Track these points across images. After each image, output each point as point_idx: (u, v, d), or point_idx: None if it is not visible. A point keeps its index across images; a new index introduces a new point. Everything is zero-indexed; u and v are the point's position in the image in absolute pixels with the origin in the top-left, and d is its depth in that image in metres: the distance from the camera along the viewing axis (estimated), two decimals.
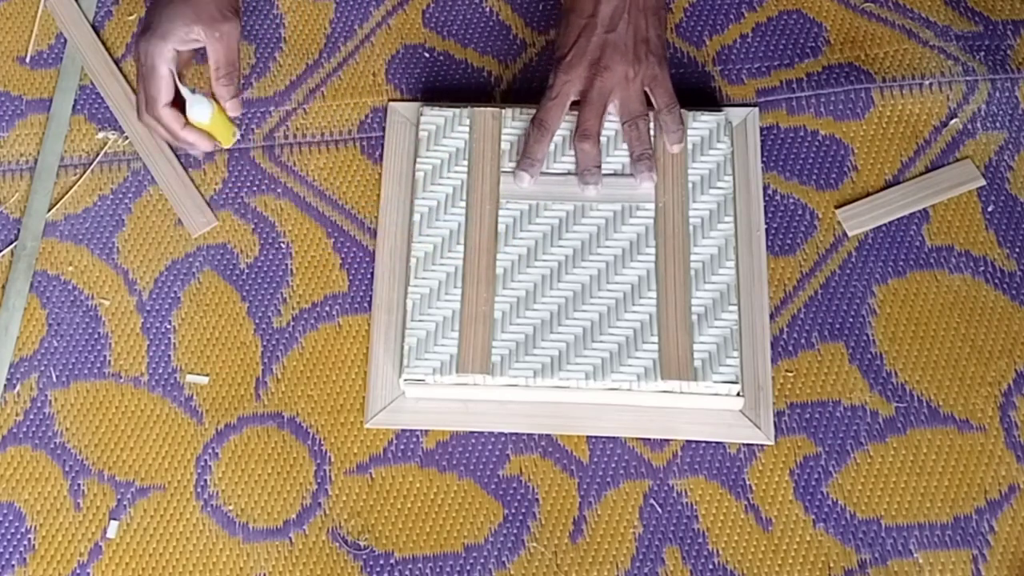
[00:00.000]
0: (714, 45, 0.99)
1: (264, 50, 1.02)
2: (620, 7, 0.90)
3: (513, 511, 0.86)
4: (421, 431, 0.89)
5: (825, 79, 0.97)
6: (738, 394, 0.85)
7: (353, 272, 0.94)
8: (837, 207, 0.93)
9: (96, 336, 0.93)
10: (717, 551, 0.85)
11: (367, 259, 0.94)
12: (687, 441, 0.87)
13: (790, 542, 0.84)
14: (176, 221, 0.96)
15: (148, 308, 0.93)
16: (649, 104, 0.91)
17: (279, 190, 0.97)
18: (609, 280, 0.87)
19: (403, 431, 0.89)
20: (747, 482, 0.86)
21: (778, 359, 0.89)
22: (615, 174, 0.91)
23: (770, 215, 0.93)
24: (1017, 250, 0.91)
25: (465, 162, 0.92)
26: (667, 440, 0.87)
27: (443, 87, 0.99)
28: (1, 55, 1.03)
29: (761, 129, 0.96)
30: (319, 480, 0.88)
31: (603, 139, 0.92)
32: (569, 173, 0.91)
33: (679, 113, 0.91)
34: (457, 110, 0.94)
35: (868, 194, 0.94)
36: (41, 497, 0.88)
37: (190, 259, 0.95)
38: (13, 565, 0.87)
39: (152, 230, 0.96)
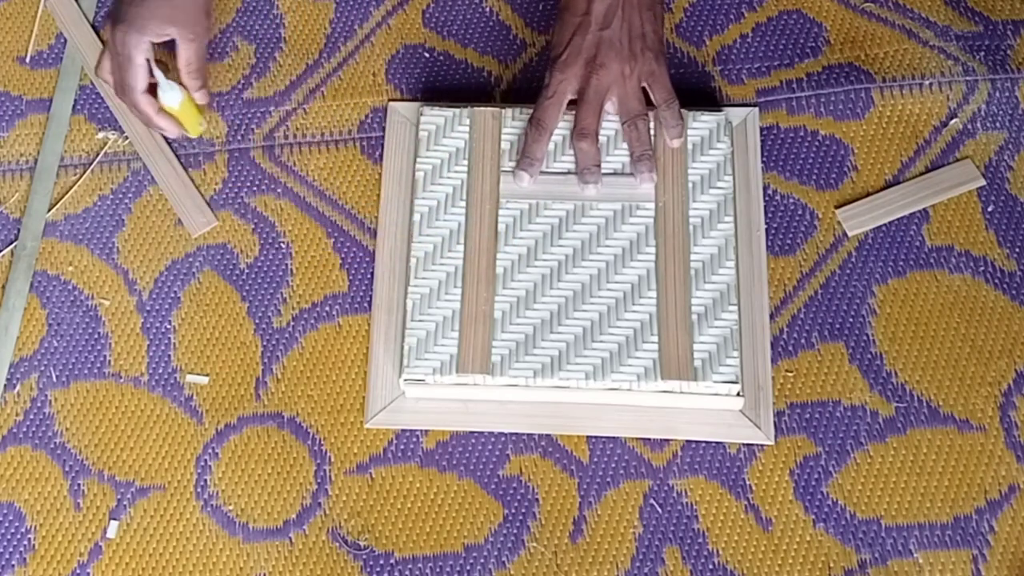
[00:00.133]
0: (714, 45, 0.99)
1: (264, 50, 1.02)
2: (614, 4, 0.90)
3: (513, 511, 0.86)
4: (421, 431, 0.89)
5: (825, 79, 0.97)
6: (738, 394, 0.84)
7: (353, 272, 0.94)
8: (837, 207, 0.93)
9: (96, 336, 0.93)
10: (717, 551, 0.85)
11: (367, 259, 0.94)
12: (687, 441, 0.87)
13: (790, 542, 0.84)
14: (176, 221, 0.96)
15: (148, 308, 0.93)
16: (648, 101, 0.91)
17: (279, 190, 0.97)
18: (609, 280, 0.87)
19: (403, 431, 0.89)
20: (747, 482, 0.86)
21: (778, 359, 0.89)
22: (615, 173, 0.91)
23: (770, 215, 0.93)
24: (1017, 250, 0.91)
25: (465, 162, 0.92)
26: (667, 440, 0.87)
27: (443, 87, 0.99)
28: (1, 55, 1.03)
29: (761, 129, 0.96)
30: (319, 480, 0.88)
31: (603, 139, 0.92)
32: (569, 172, 0.91)
33: (678, 108, 0.91)
34: (457, 110, 0.94)
35: (868, 194, 0.94)
36: (41, 497, 0.88)
37: (190, 259, 0.95)
38: (13, 565, 0.87)
39: (152, 230, 0.96)
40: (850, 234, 0.92)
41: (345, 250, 0.95)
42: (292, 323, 0.92)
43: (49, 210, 0.97)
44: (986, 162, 0.94)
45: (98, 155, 0.99)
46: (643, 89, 0.91)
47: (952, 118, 0.95)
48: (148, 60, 0.91)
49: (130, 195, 0.97)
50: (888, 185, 0.94)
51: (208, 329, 0.93)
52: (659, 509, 0.86)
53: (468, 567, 0.85)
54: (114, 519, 0.87)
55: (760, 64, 0.98)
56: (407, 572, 0.85)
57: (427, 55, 1.01)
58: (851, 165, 0.95)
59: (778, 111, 0.96)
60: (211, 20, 0.94)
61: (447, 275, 0.88)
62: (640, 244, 0.89)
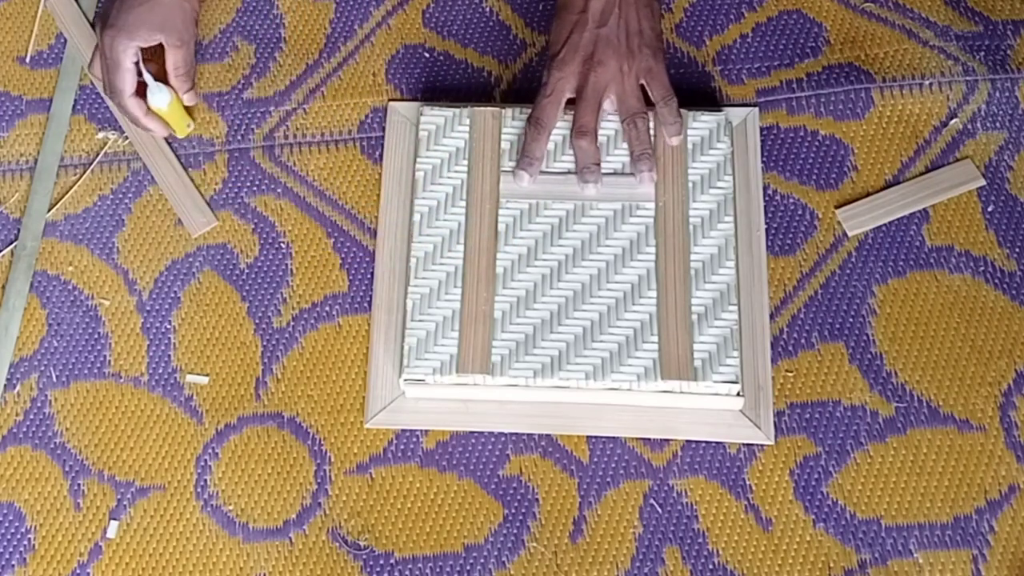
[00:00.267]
0: (714, 45, 0.99)
1: (264, 50, 1.02)
2: (611, 2, 0.90)
3: (513, 511, 0.86)
4: (421, 431, 0.89)
5: (825, 79, 0.97)
6: (738, 394, 0.84)
7: (353, 272, 0.94)
8: (837, 207, 0.93)
9: (96, 336, 0.93)
10: (717, 551, 0.85)
11: (367, 259, 0.94)
12: (687, 441, 0.87)
13: (790, 542, 0.84)
14: (176, 221, 0.96)
15: (148, 308, 0.93)
16: (647, 99, 0.91)
17: (279, 190, 0.97)
18: (609, 280, 0.87)
19: (403, 431, 0.89)
20: (747, 482, 0.86)
21: (778, 359, 0.89)
22: (615, 173, 0.91)
23: (770, 215, 0.93)
24: (1017, 250, 0.91)
25: (465, 162, 0.92)
26: (667, 440, 0.87)
27: (443, 87, 0.99)
28: (1, 55, 1.03)
29: (761, 129, 0.96)
30: (319, 480, 0.88)
31: (602, 139, 0.92)
32: (569, 172, 0.91)
33: (676, 105, 0.91)
34: (457, 110, 0.94)
35: (868, 194, 0.94)
36: (41, 497, 0.88)
37: (190, 259, 0.95)
38: (13, 565, 0.87)
39: (152, 230, 0.96)
40: (850, 234, 0.92)
41: (345, 250, 0.95)
42: (292, 323, 0.92)
43: (49, 210, 0.97)
44: (986, 162, 0.94)
45: (98, 155, 0.99)
46: (642, 87, 0.91)
47: (952, 118, 0.95)
48: (135, 65, 0.92)
49: (130, 195, 0.97)
50: (888, 185, 0.94)
51: (208, 329, 0.93)
52: (659, 509, 0.86)
53: (468, 567, 0.85)
54: (114, 519, 0.87)
55: (760, 64, 0.98)
56: (407, 572, 0.85)
57: (427, 55, 1.01)
58: (851, 165, 0.95)
59: (778, 111, 0.96)
60: (198, 26, 0.98)
61: (447, 275, 0.88)
62: (640, 244, 0.89)
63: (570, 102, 0.91)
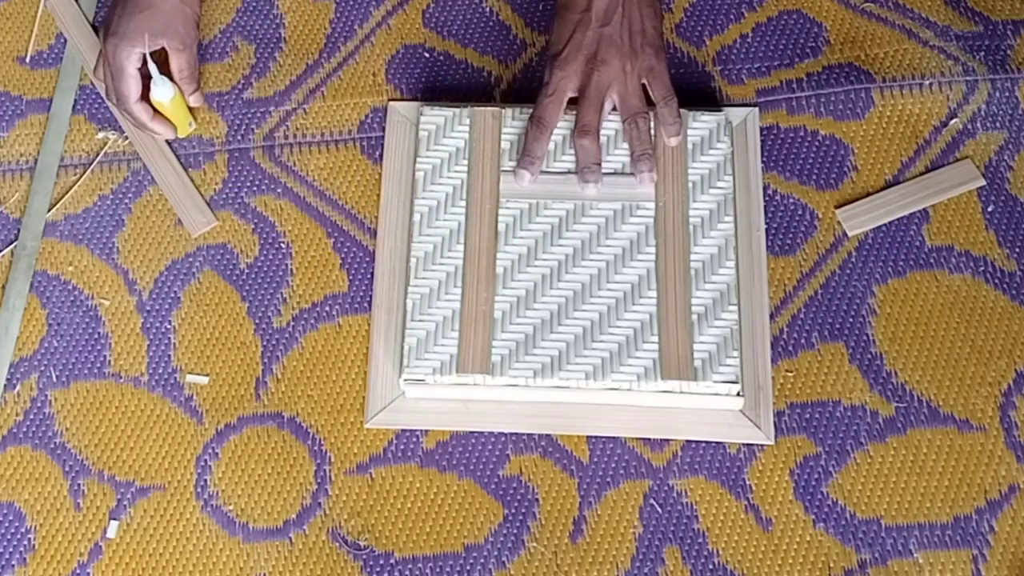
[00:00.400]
0: (714, 45, 0.99)
1: (264, 50, 1.02)
2: (614, 1, 0.90)
3: (513, 511, 0.86)
4: (421, 431, 0.88)
5: (825, 79, 0.97)
6: (738, 394, 0.84)
7: (353, 272, 0.94)
8: (837, 207, 0.93)
9: (96, 336, 0.93)
10: (717, 551, 0.85)
11: (367, 259, 0.94)
12: (687, 441, 0.87)
13: (790, 542, 0.84)
14: (176, 221, 0.96)
15: (148, 308, 0.93)
16: (648, 99, 0.91)
17: (279, 190, 0.97)
18: (609, 280, 0.87)
19: (403, 431, 0.89)
20: (747, 482, 0.86)
21: (778, 359, 0.89)
22: (615, 173, 0.91)
23: (770, 215, 0.93)
24: (1017, 250, 0.91)
25: (465, 162, 0.92)
26: (667, 440, 0.87)
27: (443, 87, 0.99)
28: (1, 55, 1.03)
29: (761, 129, 0.96)
30: (319, 480, 0.88)
31: (603, 138, 0.92)
32: (569, 172, 0.91)
33: (676, 105, 0.91)
34: (457, 110, 0.94)
35: (868, 194, 0.94)
36: (41, 497, 0.88)
37: (190, 259, 0.95)
38: (13, 565, 0.87)
39: (152, 230, 0.96)
40: (850, 234, 0.92)
41: (345, 250, 0.95)
42: (292, 323, 0.92)
43: (49, 210, 0.97)
44: (986, 162, 0.94)
45: (98, 155, 0.99)
46: (643, 87, 0.91)
47: (952, 118, 0.95)
48: (139, 70, 0.93)
49: (130, 195, 0.97)
50: (888, 185, 0.94)
51: (208, 329, 0.93)
52: (659, 509, 0.86)
53: (468, 567, 0.85)
54: (114, 519, 0.87)
55: (760, 64, 0.98)
56: (407, 572, 0.85)
57: (427, 55, 1.01)
58: (851, 165, 0.95)
59: (778, 111, 0.96)
60: (199, 28, 0.98)
61: (447, 275, 0.88)
62: (640, 244, 0.89)
63: (571, 102, 0.91)
